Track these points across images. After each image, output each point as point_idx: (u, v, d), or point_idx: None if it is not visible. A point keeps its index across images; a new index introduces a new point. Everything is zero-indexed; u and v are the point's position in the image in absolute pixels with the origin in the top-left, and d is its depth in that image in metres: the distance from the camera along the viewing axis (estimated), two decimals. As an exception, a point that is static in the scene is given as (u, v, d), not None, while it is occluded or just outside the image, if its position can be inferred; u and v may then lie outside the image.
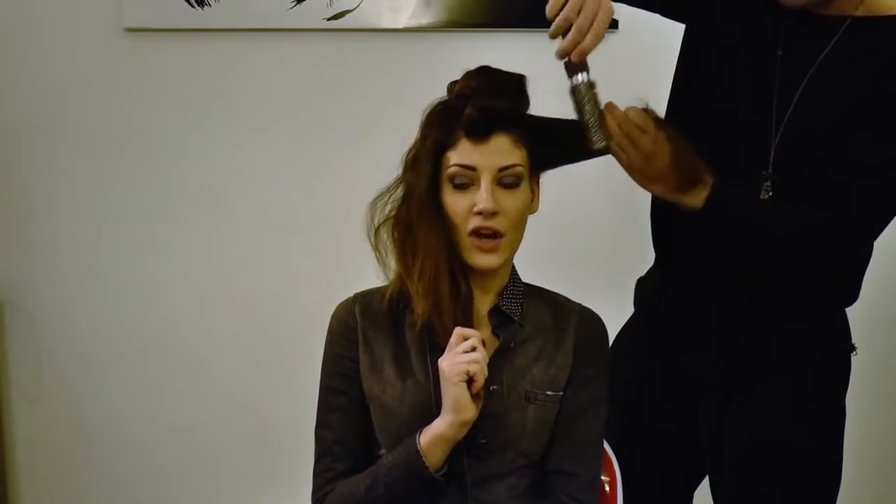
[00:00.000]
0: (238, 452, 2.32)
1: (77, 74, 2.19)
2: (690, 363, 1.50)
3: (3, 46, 2.19)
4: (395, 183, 1.31)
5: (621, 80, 2.17)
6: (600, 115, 1.29)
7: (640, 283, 1.64)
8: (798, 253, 1.39)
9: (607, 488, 1.45)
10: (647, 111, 1.33)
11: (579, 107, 1.30)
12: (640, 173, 1.34)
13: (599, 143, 1.30)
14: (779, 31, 1.39)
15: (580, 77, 1.29)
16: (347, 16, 2.12)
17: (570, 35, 1.26)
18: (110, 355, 2.29)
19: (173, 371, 2.30)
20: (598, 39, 1.26)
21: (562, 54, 1.28)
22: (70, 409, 2.32)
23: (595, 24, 1.25)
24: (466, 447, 1.24)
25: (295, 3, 2.11)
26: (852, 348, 1.50)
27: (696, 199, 1.34)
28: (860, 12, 1.36)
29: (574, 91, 1.30)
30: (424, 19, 2.13)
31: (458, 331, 1.22)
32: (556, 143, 1.34)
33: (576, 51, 1.26)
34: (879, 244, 1.44)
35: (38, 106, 2.21)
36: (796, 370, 1.45)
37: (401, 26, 2.13)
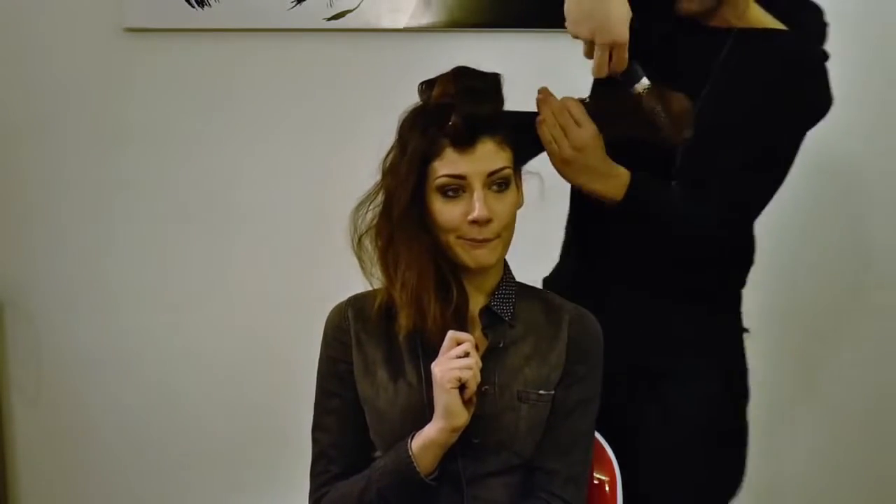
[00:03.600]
0: (239, 453, 2.32)
1: (77, 75, 2.19)
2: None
3: (4, 47, 2.19)
4: (374, 190, 1.30)
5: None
6: (668, 109, 1.31)
7: (551, 282, 1.63)
8: (701, 240, 1.43)
9: (607, 488, 1.45)
10: (584, 103, 1.35)
11: (648, 111, 1.31)
12: (565, 165, 1.36)
13: (687, 134, 1.31)
14: (674, 42, 1.42)
15: (637, 86, 1.31)
16: (347, 16, 2.12)
17: (596, 60, 1.30)
18: (110, 356, 2.29)
19: (173, 371, 2.30)
20: (623, 62, 1.30)
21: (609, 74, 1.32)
22: (70, 410, 2.32)
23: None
24: (460, 448, 1.23)
25: (295, 3, 2.12)
26: (746, 330, 1.56)
27: (615, 189, 1.37)
28: (742, 24, 1.41)
29: (636, 99, 1.32)
30: (424, 19, 2.13)
31: (451, 335, 1.21)
32: (534, 135, 1.35)
33: (607, 70, 1.31)
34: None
35: (39, 106, 2.21)
36: (708, 354, 1.50)
37: (401, 26, 2.13)
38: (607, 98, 1.35)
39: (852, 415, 2.30)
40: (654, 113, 1.31)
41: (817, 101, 1.43)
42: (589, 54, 1.31)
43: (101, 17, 2.15)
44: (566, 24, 1.31)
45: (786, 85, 1.39)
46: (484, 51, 2.01)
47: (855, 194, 2.22)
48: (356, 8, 2.11)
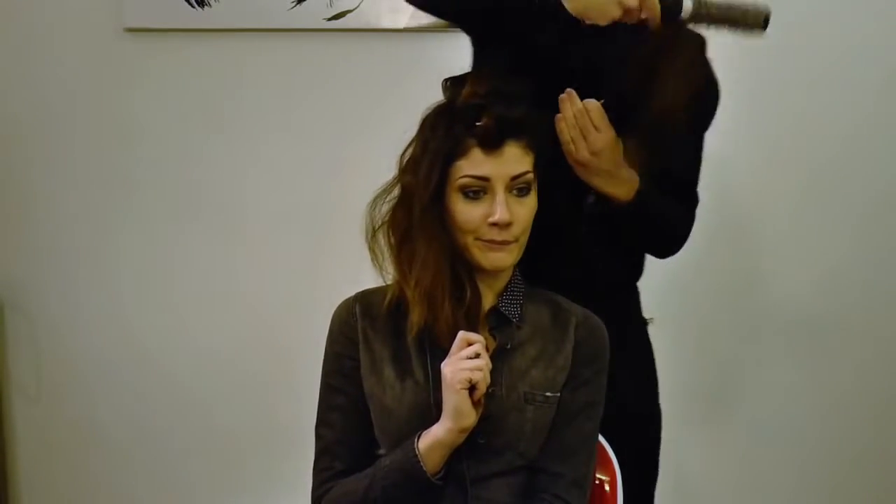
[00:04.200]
0: (241, 453, 2.32)
1: (77, 75, 2.19)
2: None
3: (4, 47, 2.19)
4: (391, 184, 1.29)
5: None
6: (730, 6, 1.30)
7: None
8: (677, 236, 1.51)
9: (607, 488, 1.45)
10: (605, 107, 1.35)
11: (719, 14, 1.30)
12: (584, 168, 1.36)
13: (760, 20, 1.31)
14: (566, 41, 1.37)
15: (683, 12, 1.29)
16: (347, 16, 2.12)
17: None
18: (111, 357, 2.29)
19: (174, 371, 2.30)
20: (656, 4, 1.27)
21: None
22: (70, 411, 2.32)
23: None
24: (466, 448, 1.23)
25: (295, 3, 2.12)
26: (649, 320, 1.60)
27: (626, 192, 1.39)
28: None
29: (697, 17, 1.30)
30: (424, 19, 2.12)
31: (462, 335, 1.20)
32: (553, 134, 1.34)
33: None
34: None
35: (39, 107, 2.21)
36: (625, 343, 1.51)
37: (401, 26, 2.13)
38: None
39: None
40: (725, 14, 1.29)
41: (716, 81, 1.47)
42: (633, 20, 1.29)
43: (101, 17, 2.15)
44: (591, 18, 1.27)
45: (696, 67, 1.41)
46: (484, 51, 2.01)
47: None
48: (356, 8, 2.11)
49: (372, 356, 1.29)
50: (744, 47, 2.11)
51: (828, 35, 2.15)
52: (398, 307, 1.29)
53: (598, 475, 1.45)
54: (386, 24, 2.14)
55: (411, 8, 2.11)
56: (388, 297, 1.29)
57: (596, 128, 1.33)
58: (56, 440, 2.34)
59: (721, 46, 2.10)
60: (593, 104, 1.34)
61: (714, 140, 2.17)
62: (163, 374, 2.30)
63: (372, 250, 1.29)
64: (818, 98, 2.17)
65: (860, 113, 2.18)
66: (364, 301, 1.32)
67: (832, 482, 2.32)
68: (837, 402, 2.29)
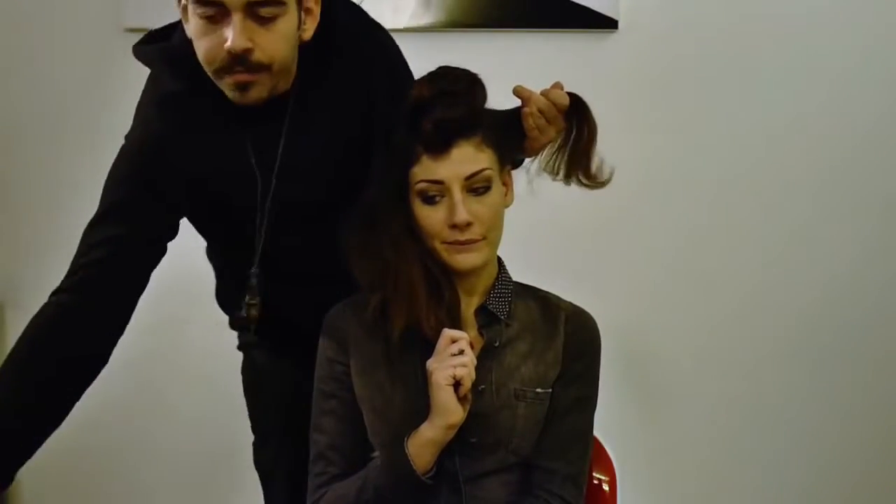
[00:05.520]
0: (239, 453, 2.32)
1: (77, 74, 2.20)
2: None
3: (4, 46, 2.19)
4: (366, 193, 1.30)
5: (621, 81, 2.19)
6: None
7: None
8: None
9: (606, 488, 1.45)
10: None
11: None
12: (541, 147, 1.37)
13: None
14: (240, 128, 1.37)
15: None
16: (348, 15, 2.12)
17: None
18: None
19: (173, 371, 2.30)
20: None
21: None
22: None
23: None
24: (458, 447, 1.23)
25: (295, 2, 2.11)
26: None
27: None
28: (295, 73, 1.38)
29: None
30: (424, 19, 2.13)
31: (446, 333, 1.21)
32: (520, 135, 1.34)
33: None
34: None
35: (39, 106, 2.21)
36: None
37: (401, 26, 2.13)
38: None
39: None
40: None
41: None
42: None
43: (101, 17, 2.16)
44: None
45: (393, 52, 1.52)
46: (484, 51, 2.02)
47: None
48: (356, 8, 2.11)
49: (362, 360, 1.30)
50: (750, 44, 2.14)
51: (836, 34, 2.15)
52: (385, 312, 1.29)
53: (596, 475, 1.45)
54: (386, 24, 2.12)
55: (411, 8, 2.13)
56: (374, 302, 1.29)
57: (559, 114, 1.33)
58: (55, 439, 2.33)
59: (725, 45, 2.11)
60: (557, 93, 1.33)
61: (717, 140, 2.19)
62: (162, 374, 2.30)
63: (351, 257, 1.29)
64: (823, 98, 2.17)
65: (870, 113, 2.17)
66: (354, 306, 1.33)
67: (844, 486, 2.32)
68: (847, 406, 2.30)
